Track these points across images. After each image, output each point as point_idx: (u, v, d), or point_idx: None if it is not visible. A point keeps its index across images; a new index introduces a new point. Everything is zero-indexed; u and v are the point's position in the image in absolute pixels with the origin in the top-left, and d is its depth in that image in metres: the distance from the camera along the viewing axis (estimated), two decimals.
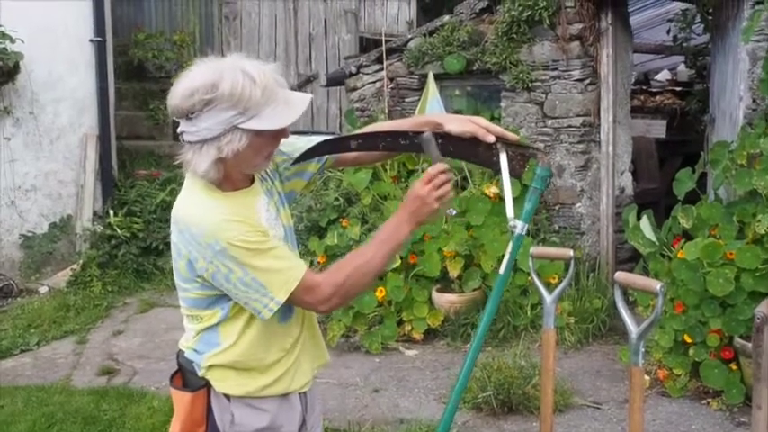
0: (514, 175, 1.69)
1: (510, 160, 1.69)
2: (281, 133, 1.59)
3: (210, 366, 1.69)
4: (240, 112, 1.52)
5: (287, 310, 1.67)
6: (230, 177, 1.63)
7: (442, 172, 1.63)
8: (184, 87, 1.54)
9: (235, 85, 1.51)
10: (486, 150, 1.69)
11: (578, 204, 5.40)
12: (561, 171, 5.36)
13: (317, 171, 1.83)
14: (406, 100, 5.92)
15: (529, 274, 3.80)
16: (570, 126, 5.35)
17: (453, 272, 4.75)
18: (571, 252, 2.27)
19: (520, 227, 1.73)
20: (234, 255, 1.54)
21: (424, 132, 1.64)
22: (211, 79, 1.52)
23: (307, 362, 1.77)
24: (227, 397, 1.68)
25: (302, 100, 1.59)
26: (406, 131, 1.70)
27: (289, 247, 1.70)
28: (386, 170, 5.23)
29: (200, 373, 1.70)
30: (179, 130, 1.59)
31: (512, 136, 1.71)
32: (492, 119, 5.41)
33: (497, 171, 1.68)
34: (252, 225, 1.57)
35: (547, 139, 5.41)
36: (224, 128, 1.53)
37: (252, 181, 1.69)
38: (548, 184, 1.81)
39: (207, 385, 1.70)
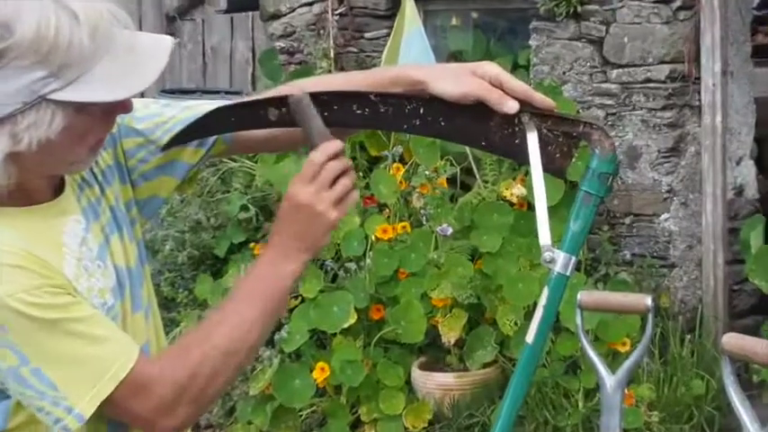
0: (553, 169, 1.70)
1: (545, 144, 1.69)
2: (119, 107, 1.57)
3: None
4: (52, 73, 1.48)
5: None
6: (24, 184, 1.59)
7: (334, 156, 1.64)
8: None
9: (43, 26, 1.46)
10: (504, 126, 1.70)
11: (664, 215, 5.00)
12: (635, 159, 5.00)
13: (198, 162, 1.84)
14: (366, 35, 5.68)
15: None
16: (649, 81, 4.94)
17: (449, 335, 4.47)
18: (649, 300, 2.23)
19: (562, 261, 1.70)
20: (7, 325, 1.50)
21: (393, 95, 1.72)
22: (1, 16, 1.49)
23: None
24: None
25: (158, 47, 1.58)
26: (366, 93, 1.72)
27: (120, 310, 1.67)
28: None
29: None
30: None
31: (544, 100, 1.70)
32: (515, 68, 5.16)
33: (523, 162, 1.72)
34: (48, 276, 1.53)
35: (609, 102, 5.02)
36: (24, 100, 1.49)
37: (59, 188, 1.65)
38: (611, 187, 1.66)
39: None
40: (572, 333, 4.22)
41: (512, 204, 4.67)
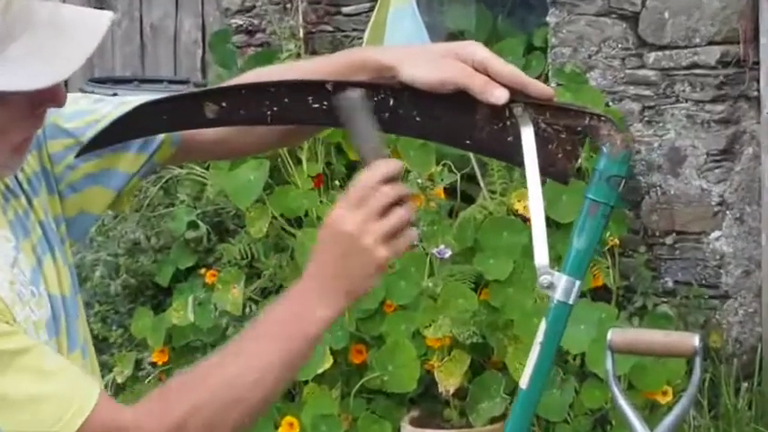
0: (554, 172, 1.71)
1: (544, 142, 1.70)
2: (48, 97, 1.54)
3: None
4: None
5: None
6: None
7: (389, 179, 1.60)
8: None
9: None
10: (493, 120, 1.70)
11: (715, 233, 4.91)
12: (678, 163, 4.91)
13: (139, 170, 1.80)
14: (344, 11, 5.77)
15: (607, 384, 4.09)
16: (696, 66, 4.83)
17: (447, 382, 4.45)
18: (696, 339, 2.11)
19: (563, 286, 1.69)
20: None
21: (347, 88, 1.68)
22: None
23: None
24: None
25: (89, 23, 1.57)
26: (323, 82, 1.69)
27: (55, 348, 1.65)
28: (298, 163, 4.93)
29: None
30: None
31: (540, 87, 1.68)
32: (530, 50, 5.26)
33: (518, 164, 1.67)
34: None
35: (647, 93, 4.92)
36: None
37: None
38: (622, 195, 1.77)
39: None
40: (601, 380, 4.21)
41: (525, 220, 4.47)
